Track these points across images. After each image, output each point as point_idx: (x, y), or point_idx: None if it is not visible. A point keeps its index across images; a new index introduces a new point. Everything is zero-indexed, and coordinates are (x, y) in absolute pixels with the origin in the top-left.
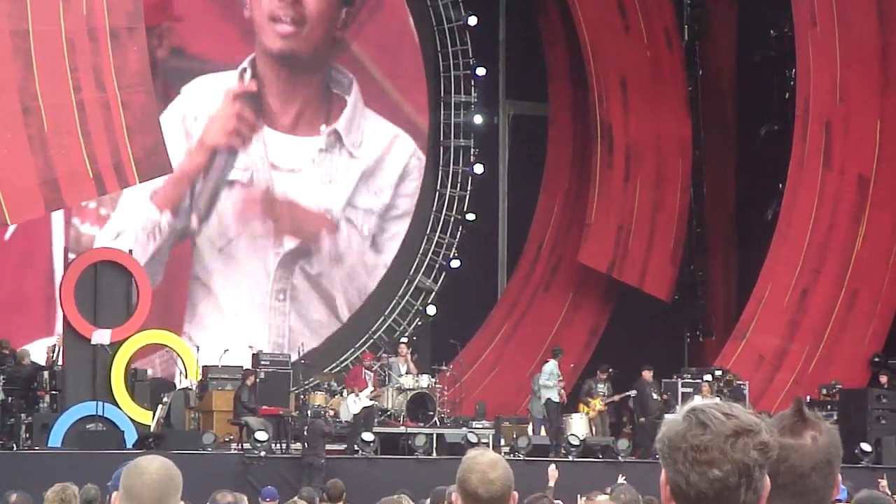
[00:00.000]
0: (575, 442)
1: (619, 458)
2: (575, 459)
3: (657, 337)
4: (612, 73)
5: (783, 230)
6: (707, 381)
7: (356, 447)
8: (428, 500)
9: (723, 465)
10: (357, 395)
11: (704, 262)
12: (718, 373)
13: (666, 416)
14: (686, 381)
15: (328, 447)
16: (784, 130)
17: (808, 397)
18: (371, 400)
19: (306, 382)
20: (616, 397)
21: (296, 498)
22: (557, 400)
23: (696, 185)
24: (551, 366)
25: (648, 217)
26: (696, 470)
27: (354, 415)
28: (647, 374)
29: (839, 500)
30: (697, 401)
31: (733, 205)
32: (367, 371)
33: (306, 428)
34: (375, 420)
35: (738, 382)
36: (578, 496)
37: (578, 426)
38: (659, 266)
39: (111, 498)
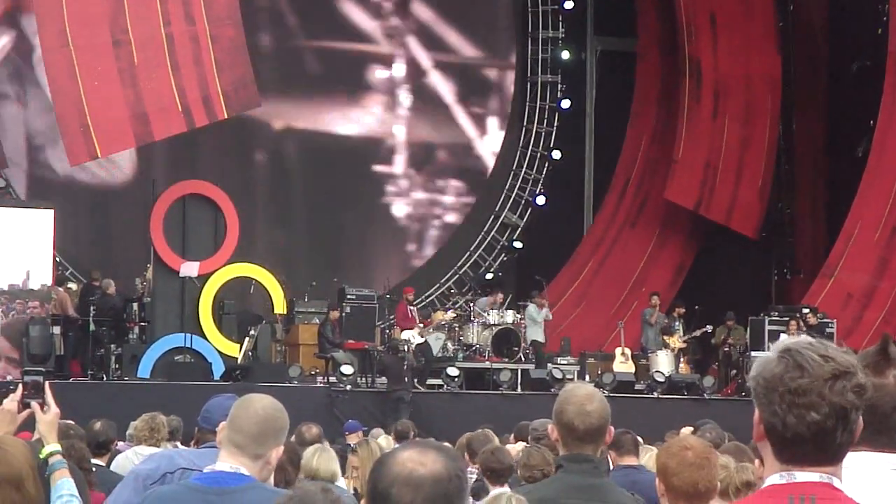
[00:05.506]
0: (660, 379)
1: (705, 395)
2: (660, 396)
3: (744, 275)
4: (701, 8)
5: (873, 167)
6: (797, 317)
7: (441, 382)
8: (512, 436)
9: (821, 409)
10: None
11: (793, 199)
12: (805, 311)
13: (756, 354)
14: (773, 319)
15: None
16: (876, 66)
17: None
18: (421, 337)
19: (391, 317)
20: (697, 332)
21: (379, 429)
22: (541, 339)
23: (785, 122)
24: (533, 308)
25: (736, 154)
26: (793, 412)
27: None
28: None
29: None
30: (788, 339)
31: (823, 141)
32: (411, 308)
33: (405, 364)
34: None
35: (825, 321)
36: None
37: (664, 363)
38: (746, 203)
39: (197, 430)
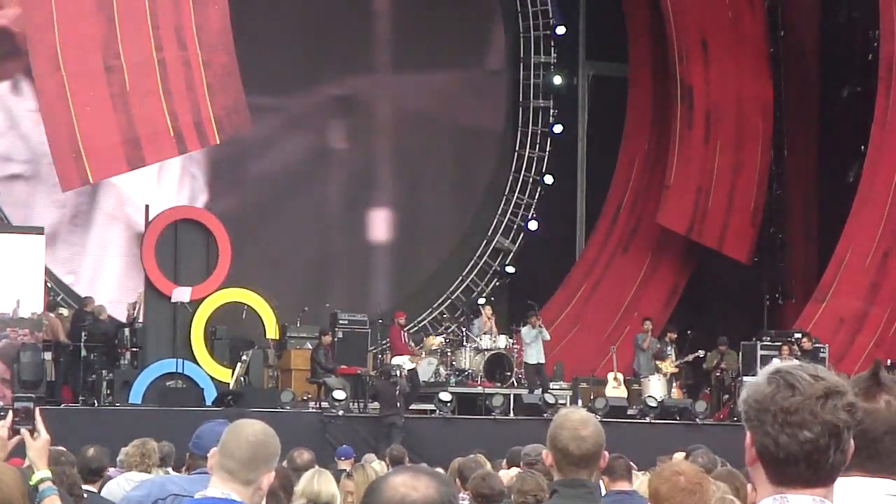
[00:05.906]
0: (652, 404)
1: (697, 420)
2: (652, 421)
3: (736, 299)
4: (693, 34)
5: (865, 192)
6: (789, 341)
7: (434, 407)
8: (504, 461)
9: (813, 427)
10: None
11: (785, 224)
12: (798, 335)
13: (747, 379)
14: (765, 343)
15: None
16: (867, 92)
17: (889, 361)
18: (412, 362)
19: (384, 342)
20: (689, 357)
21: (372, 454)
22: (534, 361)
23: (776, 147)
24: (525, 328)
25: (728, 179)
26: (785, 432)
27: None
28: None
29: None
30: (778, 363)
31: (814, 166)
32: (403, 332)
33: (397, 389)
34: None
35: (818, 345)
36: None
37: (656, 388)
38: (738, 228)
39: (188, 456)
